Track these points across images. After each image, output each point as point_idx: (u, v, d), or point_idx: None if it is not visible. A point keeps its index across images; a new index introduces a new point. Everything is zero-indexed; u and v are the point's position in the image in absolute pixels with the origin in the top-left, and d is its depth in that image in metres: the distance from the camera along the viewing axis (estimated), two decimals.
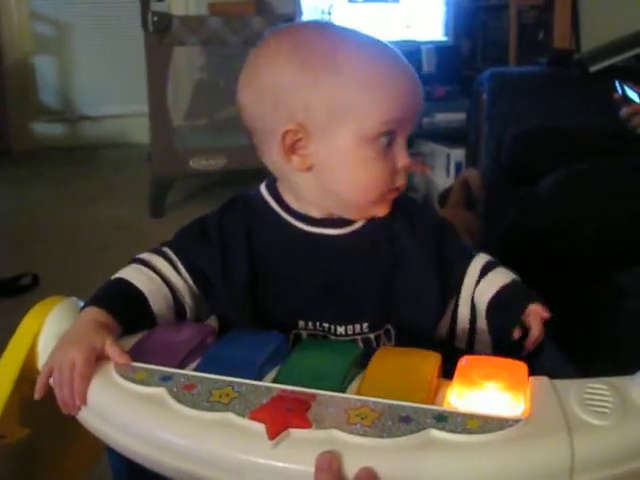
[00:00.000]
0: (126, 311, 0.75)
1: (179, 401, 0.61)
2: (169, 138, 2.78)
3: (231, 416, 0.59)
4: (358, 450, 0.56)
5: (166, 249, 0.83)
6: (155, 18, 2.59)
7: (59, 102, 3.95)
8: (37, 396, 0.69)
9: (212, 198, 2.95)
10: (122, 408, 0.63)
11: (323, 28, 0.80)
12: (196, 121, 3.34)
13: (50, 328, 0.74)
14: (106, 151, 3.78)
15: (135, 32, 2.77)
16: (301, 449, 0.56)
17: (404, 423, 0.57)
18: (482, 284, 0.81)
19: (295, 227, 0.81)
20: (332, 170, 0.78)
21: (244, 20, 2.74)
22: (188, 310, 0.81)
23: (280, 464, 0.56)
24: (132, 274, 0.79)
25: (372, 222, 0.81)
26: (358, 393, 0.62)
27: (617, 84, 1.56)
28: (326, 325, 0.79)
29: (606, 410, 0.59)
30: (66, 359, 0.67)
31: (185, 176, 2.91)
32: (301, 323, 0.80)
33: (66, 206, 2.95)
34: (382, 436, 0.56)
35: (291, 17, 2.73)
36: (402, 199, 0.83)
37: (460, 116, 2.47)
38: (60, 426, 0.74)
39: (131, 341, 0.72)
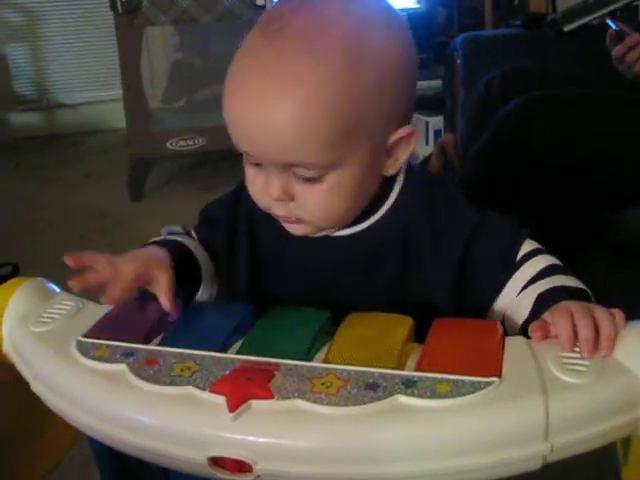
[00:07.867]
0: (183, 268, 0.72)
1: (140, 377, 0.59)
2: (145, 119, 2.75)
3: (192, 390, 0.57)
4: (321, 420, 0.53)
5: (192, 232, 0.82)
6: None
7: (34, 91, 3.88)
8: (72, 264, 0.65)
9: (192, 180, 2.92)
10: (82, 387, 0.61)
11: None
12: (174, 103, 3.29)
13: (13, 309, 0.72)
14: (85, 138, 3.72)
15: (107, 15, 2.73)
16: (262, 421, 0.54)
17: (371, 390, 0.55)
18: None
19: None
20: None
21: None
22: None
23: (240, 437, 0.54)
24: (186, 241, 0.77)
25: (383, 222, 0.74)
26: (325, 361, 0.60)
27: (610, 21, 1.54)
28: None
29: (583, 368, 0.57)
30: (116, 265, 0.65)
31: (163, 158, 2.89)
32: None
33: (46, 195, 2.91)
34: (346, 404, 0.54)
35: None
36: (437, 193, 0.75)
37: (436, 83, 2.43)
38: (31, 410, 0.72)
39: (96, 314, 0.69)
